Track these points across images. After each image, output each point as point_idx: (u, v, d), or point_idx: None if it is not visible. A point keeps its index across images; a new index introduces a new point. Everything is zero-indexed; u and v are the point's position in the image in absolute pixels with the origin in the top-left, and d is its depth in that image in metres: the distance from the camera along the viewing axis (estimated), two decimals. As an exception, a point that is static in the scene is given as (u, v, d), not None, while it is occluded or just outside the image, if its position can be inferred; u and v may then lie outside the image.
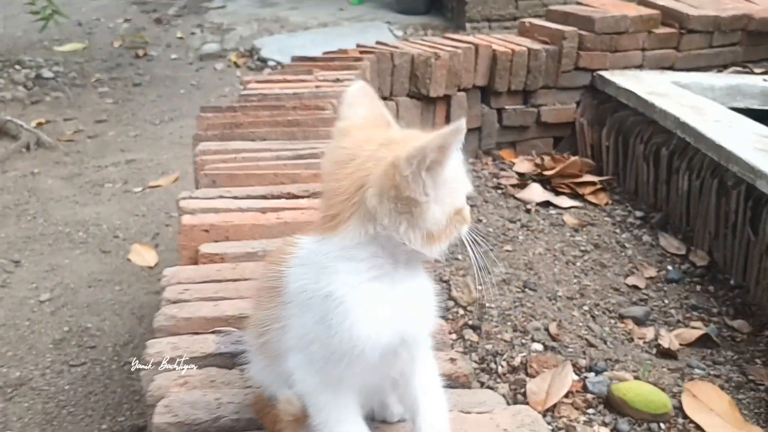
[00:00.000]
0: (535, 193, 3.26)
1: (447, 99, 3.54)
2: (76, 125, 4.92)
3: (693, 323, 2.49)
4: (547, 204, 3.21)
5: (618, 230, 3.04)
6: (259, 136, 2.39)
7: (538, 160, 3.54)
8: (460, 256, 2.60)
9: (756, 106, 3.38)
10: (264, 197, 1.94)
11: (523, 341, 2.34)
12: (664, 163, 3.11)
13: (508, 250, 2.80)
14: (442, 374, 1.13)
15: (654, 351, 2.34)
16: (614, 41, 3.65)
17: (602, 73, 3.62)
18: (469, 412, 1.17)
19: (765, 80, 3.51)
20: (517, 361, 2.23)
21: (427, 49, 3.49)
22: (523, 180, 3.38)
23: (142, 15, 7.89)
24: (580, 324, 2.44)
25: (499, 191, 3.28)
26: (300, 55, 3.57)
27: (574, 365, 2.21)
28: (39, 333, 2.79)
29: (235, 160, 2.17)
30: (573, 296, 2.59)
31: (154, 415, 1.15)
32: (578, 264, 2.79)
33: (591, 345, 2.33)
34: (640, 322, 2.48)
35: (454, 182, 0.99)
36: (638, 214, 3.16)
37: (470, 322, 2.36)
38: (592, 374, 2.19)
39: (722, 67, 3.78)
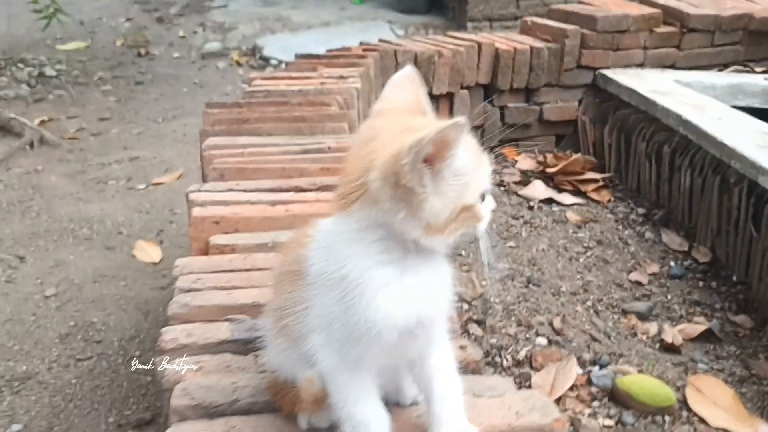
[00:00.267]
0: (538, 190, 3.28)
1: (450, 96, 3.56)
2: (79, 123, 4.93)
3: (696, 319, 2.51)
4: (549, 201, 3.23)
5: (620, 227, 3.06)
6: (266, 131, 2.41)
7: (540, 158, 3.56)
8: (463, 252, 2.62)
9: (757, 105, 3.40)
10: (272, 190, 1.95)
11: (528, 335, 2.36)
12: (666, 161, 3.12)
13: (511, 246, 2.82)
14: (453, 360, 1.14)
15: (657, 346, 2.36)
16: (616, 40, 3.67)
17: (604, 71, 3.64)
18: (480, 396, 1.19)
19: (766, 79, 3.53)
20: (521, 355, 2.25)
21: (430, 47, 3.52)
22: (526, 177, 3.40)
23: (143, 14, 7.90)
24: (584, 319, 2.46)
25: (502, 188, 3.30)
26: (301, 53, 3.59)
27: (578, 359, 2.23)
28: (45, 328, 2.80)
29: (242, 154, 2.18)
30: (576, 292, 2.61)
31: (172, 398, 1.16)
32: (581, 260, 2.81)
33: (595, 339, 2.35)
34: (643, 317, 2.50)
35: (463, 178, 0.99)
36: (640, 211, 3.18)
37: (475, 317, 2.38)
38: (597, 368, 2.21)
39: (723, 66, 3.80)
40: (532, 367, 2.21)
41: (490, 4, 6.55)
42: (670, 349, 2.33)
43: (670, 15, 3.76)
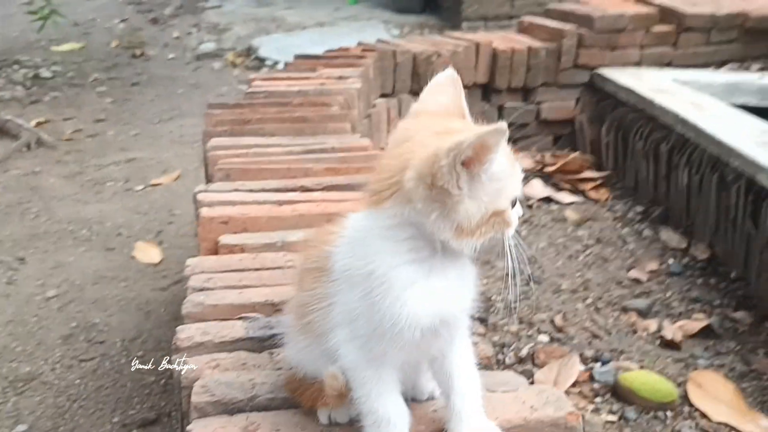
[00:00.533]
0: (536, 189, 3.31)
1: (449, 96, 3.58)
2: (75, 124, 4.92)
3: (695, 315, 2.53)
4: (548, 200, 3.26)
5: (619, 225, 3.09)
6: (268, 132, 2.42)
7: (538, 157, 3.58)
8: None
9: (754, 103, 3.43)
10: (278, 190, 1.96)
11: (530, 333, 2.38)
12: (664, 159, 3.15)
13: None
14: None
15: (657, 342, 2.39)
16: (613, 39, 3.70)
17: (601, 70, 3.67)
18: (494, 391, 1.21)
19: (762, 77, 3.57)
20: (524, 352, 2.28)
21: (428, 47, 3.54)
22: (524, 176, 3.42)
23: (138, 15, 7.89)
24: (585, 316, 2.49)
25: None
26: (298, 53, 3.60)
27: (580, 356, 2.26)
28: (47, 329, 2.80)
29: (247, 155, 2.20)
30: (577, 289, 2.63)
31: (192, 394, 1.17)
32: (581, 258, 2.83)
33: (596, 336, 2.38)
34: (643, 314, 2.52)
35: (498, 183, 1.01)
36: (639, 209, 3.21)
37: (476, 315, 2.40)
38: (599, 364, 2.24)
39: (719, 64, 3.83)
40: (534, 364, 2.23)
41: (485, 3, 6.56)
42: (670, 345, 2.36)
43: (667, 14, 3.79)
